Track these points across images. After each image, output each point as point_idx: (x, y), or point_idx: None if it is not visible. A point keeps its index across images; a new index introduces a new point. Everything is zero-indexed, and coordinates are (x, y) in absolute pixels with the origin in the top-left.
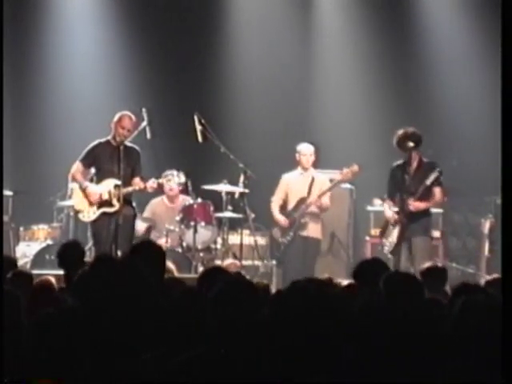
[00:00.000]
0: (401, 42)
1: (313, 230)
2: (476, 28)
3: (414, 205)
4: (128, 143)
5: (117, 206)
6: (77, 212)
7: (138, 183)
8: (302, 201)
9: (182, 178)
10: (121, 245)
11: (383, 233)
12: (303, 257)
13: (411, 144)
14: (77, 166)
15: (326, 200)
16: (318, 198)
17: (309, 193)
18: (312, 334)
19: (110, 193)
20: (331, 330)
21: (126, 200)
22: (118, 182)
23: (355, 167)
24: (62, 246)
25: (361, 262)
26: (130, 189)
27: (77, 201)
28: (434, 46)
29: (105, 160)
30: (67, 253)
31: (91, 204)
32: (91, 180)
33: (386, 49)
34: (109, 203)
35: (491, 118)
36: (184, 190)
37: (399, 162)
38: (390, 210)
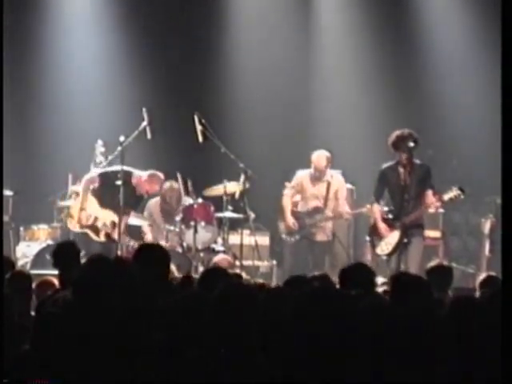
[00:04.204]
0: (401, 41)
1: (322, 235)
2: (476, 28)
3: (410, 218)
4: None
5: (101, 239)
6: (69, 214)
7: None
8: (316, 210)
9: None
10: None
11: (374, 235)
12: (311, 257)
13: (411, 144)
14: (92, 177)
15: (344, 208)
16: (334, 217)
17: (325, 204)
18: (316, 333)
19: (104, 225)
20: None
21: (112, 238)
22: (116, 221)
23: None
24: (56, 245)
25: (345, 268)
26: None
27: (74, 206)
28: (434, 46)
29: (112, 191)
30: (62, 253)
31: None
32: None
33: (385, 48)
34: (96, 232)
35: (491, 117)
36: (185, 191)
37: (390, 163)
38: (379, 214)
